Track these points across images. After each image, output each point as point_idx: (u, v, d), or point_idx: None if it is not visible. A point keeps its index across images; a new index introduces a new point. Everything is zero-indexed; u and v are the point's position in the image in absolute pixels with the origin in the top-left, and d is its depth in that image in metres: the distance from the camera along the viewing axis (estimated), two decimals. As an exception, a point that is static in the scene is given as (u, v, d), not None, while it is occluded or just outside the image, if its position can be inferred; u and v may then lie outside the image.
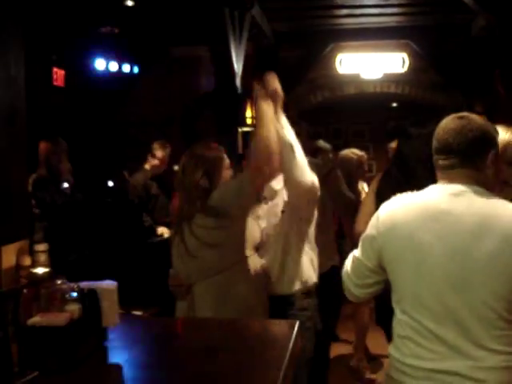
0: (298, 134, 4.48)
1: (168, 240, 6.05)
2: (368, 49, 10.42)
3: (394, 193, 2.32)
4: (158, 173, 6.76)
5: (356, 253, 2.34)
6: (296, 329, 2.47)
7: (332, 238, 4.56)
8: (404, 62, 10.48)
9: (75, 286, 2.22)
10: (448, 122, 2.23)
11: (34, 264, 2.23)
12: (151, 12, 8.29)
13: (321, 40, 10.00)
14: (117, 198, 6.73)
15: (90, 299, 2.23)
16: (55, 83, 9.42)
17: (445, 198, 2.14)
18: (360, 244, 2.32)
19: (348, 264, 2.38)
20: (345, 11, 8.89)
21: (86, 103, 9.91)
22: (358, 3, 8.42)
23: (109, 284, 2.32)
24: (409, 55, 10.43)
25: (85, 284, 2.27)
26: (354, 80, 10.71)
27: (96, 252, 5.49)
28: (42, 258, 2.24)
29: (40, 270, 2.17)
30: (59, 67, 9.42)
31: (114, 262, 6.21)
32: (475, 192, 2.13)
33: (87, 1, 7.64)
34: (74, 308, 2.16)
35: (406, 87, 10.73)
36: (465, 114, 2.27)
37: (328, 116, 11.18)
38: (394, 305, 2.23)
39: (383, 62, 10.47)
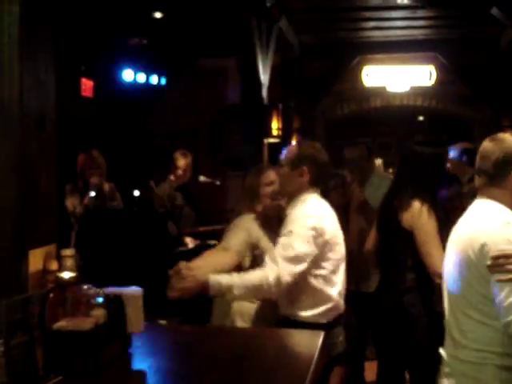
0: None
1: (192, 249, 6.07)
2: (394, 61, 10.40)
3: None
4: (183, 183, 6.78)
5: None
6: (321, 340, 2.45)
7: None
8: (431, 74, 10.44)
9: (101, 292, 2.22)
10: (482, 145, 2.44)
11: (61, 268, 2.24)
12: (179, 23, 8.36)
13: (347, 52, 10.00)
14: (142, 207, 6.77)
15: (115, 305, 2.23)
16: (84, 94, 9.53)
17: None
18: None
19: None
20: (372, 24, 8.88)
21: (114, 114, 10.01)
22: (385, 16, 8.40)
23: (134, 290, 2.33)
24: (436, 68, 10.39)
25: (110, 290, 2.28)
26: (381, 93, 10.68)
27: (122, 260, 5.52)
28: (69, 262, 2.24)
29: (66, 275, 2.18)
30: (88, 78, 9.53)
31: (139, 271, 6.24)
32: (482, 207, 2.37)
33: (116, 12, 7.72)
34: (99, 313, 2.16)
35: (433, 100, 10.67)
36: (498, 135, 2.44)
37: (354, 128, 11.13)
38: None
39: (410, 75, 10.45)
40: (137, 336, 2.33)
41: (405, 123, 12.71)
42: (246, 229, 3.18)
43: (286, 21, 8.28)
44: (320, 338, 2.46)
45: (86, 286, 2.23)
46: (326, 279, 2.97)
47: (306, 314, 2.97)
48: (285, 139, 9.62)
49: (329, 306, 2.98)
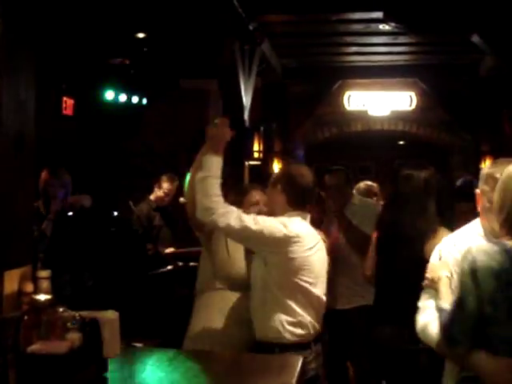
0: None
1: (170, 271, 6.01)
2: (376, 86, 10.50)
3: None
4: (162, 204, 6.75)
5: None
6: (300, 364, 2.43)
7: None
8: (412, 100, 10.55)
9: (77, 315, 2.18)
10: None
11: (37, 291, 2.20)
12: (162, 44, 8.37)
13: (329, 77, 10.07)
14: (121, 227, 6.71)
15: (91, 328, 2.20)
16: (65, 112, 9.49)
17: None
18: None
19: None
20: (354, 49, 8.95)
21: (94, 133, 9.96)
22: (366, 41, 8.47)
23: (110, 314, 2.29)
24: (416, 94, 10.50)
25: (86, 313, 2.24)
26: (362, 117, 10.76)
27: (99, 281, 5.45)
28: (45, 284, 2.21)
29: (42, 297, 2.14)
30: (69, 96, 9.49)
31: (116, 292, 6.18)
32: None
33: (99, 32, 7.72)
34: (74, 337, 2.12)
35: (414, 125, 10.77)
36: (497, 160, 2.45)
37: (335, 152, 11.19)
38: None
39: (391, 100, 10.55)
40: (112, 359, 2.30)
41: (385, 148, 12.79)
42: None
43: (269, 44, 8.33)
44: (299, 362, 2.44)
45: (61, 309, 2.19)
46: (297, 301, 2.95)
47: (279, 334, 2.93)
48: (265, 162, 9.64)
49: (303, 329, 2.95)
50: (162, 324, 5.10)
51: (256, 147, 7.69)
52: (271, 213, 3.07)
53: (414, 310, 2.59)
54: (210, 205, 2.75)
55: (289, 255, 2.88)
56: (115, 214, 7.01)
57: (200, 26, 6.70)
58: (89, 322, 2.20)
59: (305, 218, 3.05)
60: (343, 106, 10.67)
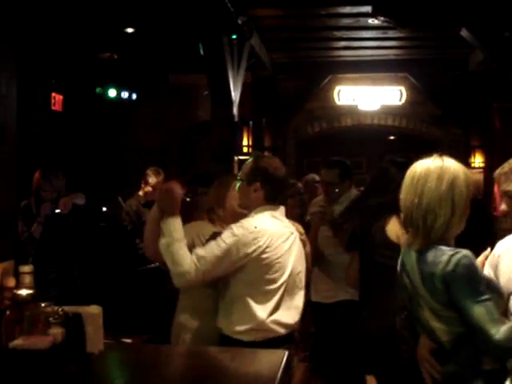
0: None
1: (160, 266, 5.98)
2: (366, 81, 10.50)
3: None
4: (152, 199, 6.72)
5: None
6: (285, 359, 2.42)
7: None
8: (402, 94, 10.55)
9: (59, 310, 2.17)
10: None
11: (19, 285, 2.19)
12: (151, 39, 8.34)
13: (319, 71, 10.05)
14: (110, 223, 6.69)
15: (74, 323, 2.19)
16: (54, 108, 9.45)
17: None
18: None
19: None
20: (343, 43, 8.94)
21: (84, 128, 9.92)
22: (356, 36, 8.46)
23: (94, 308, 2.28)
24: (406, 88, 10.50)
25: (70, 308, 2.23)
26: (352, 111, 10.76)
27: (87, 277, 5.43)
28: (27, 279, 2.19)
29: (24, 292, 2.13)
30: (58, 92, 9.46)
31: (105, 288, 6.16)
32: None
33: (88, 27, 7.68)
34: (57, 332, 2.11)
35: (404, 120, 10.78)
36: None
37: (325, 147, 11.19)
38: None
39: (381, 95, 10.55)
40: (98, 355, 2.28)
41: (376, 142, 12.82)
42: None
43: (259, 39, 8.30)
44: (283, 357, 2.43)
45: (44, 304, 2.18)
46: (256, 298, 2.90)
47: (232, 329, 2.91)
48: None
49: (253, 325, 2.88)
50: (152, 319, 5.08)
51: (245, 142, 7.67)
52: (246, 209, 3.06)
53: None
54: (181, 270, 2.78)
55: (254, 255, 2.86)
56: (104, 209, 6.99)
57: (188, 21, 6.68)
58: (72, 317, 2.19)
59: (276, 211, 3.01)
60: (333, 101, 10.67)
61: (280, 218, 3.01)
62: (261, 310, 2.85)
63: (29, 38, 7.72)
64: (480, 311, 2.18)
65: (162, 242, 2.83)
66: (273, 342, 2.85)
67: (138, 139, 10.58)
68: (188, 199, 7.84)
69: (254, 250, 2.83)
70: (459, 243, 2.35)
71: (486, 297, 2.20)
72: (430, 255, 2.28)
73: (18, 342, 2.05)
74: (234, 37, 6.30)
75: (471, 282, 2.22)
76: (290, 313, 2.97)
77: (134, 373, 2.38)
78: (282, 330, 2.91)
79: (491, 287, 2.30)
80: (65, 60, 8.80)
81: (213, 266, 2.80)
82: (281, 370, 2.32)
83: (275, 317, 2.89)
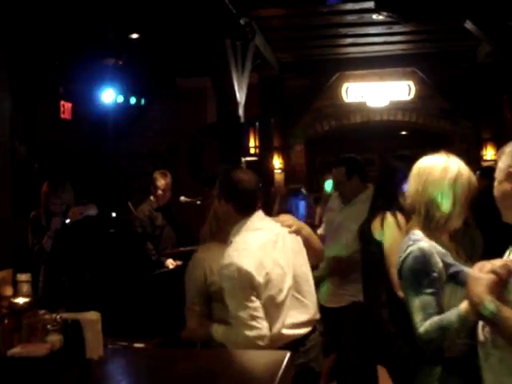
0: None
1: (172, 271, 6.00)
2: (373, 77, 10.46)
3: None
4: (164, 203, 6.73)
5: None
6: (286, 360, 2.41)
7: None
8: (410, 89, 10.50)
9: (58, 317, 2.18)
10: None
11: (17, 294, 2.20)
12: (157, 44, 8.37)
13: (326, 69, 10.04)
14: (120, 229, 6.72)
15: (72, 330, 2.19)
16: (63, 116, 9.52)
17: None
18: None
19: None
20: (349, 40, 8.92)
21: (94, 135, 9.99)
22: (361, 32, 8.44)
23: (92, 314, 2.28)
24: (415, 83, 10.44)
25: (68, 315, 2.23)
26: (361, 108, 10.72)
27: (99, 283, 5.45)
28: (25, 288, 2.20)
29: (21, 300, 2.14)
30: (66, 100, 9.52)
31: (117, 293, 6.18)
32: None
33: (94, 34, 7.72)
34: (55, 339, 2.12)
35: (413, 115, 10.72)
36: None
37: (336, 145, 11.16)
38: None
39: (389, 90, 10.50)
40: (98, 361, 2.29)
41: (387, 138, 12.75)
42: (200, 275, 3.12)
43: (263, 39, 8.30)
44: (285, 358, 2.42)
45: (42, 311, 2.19)
46: (269, 314, 2.83)
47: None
48: (263, 157, 9.62)
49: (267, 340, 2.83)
50: (164, 323, 5.09)
51: (252, 143, 7.68)
52: (224, 224, 3.03)
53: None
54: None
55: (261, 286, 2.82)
56: (113, 215, 7.03)
57: (191, 25, 6.69)
58: (70, 324, 2.20)
59: (252, 221, 2.94)
60: (342, 99, 10.63)
61: (259, 226, 2.97)
62: (273, 323, 2.81)
63: (35, 47, 7.82)
64: (415, 303, 2.30)
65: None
66: (296, 343, 2.86)
67: (148, 144, 10.62)
68: (199, 202, 7.85)
69: (253, 283, 2.76)
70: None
71: (427, 291, 2.28)
72: (403, 242, 2.45)
73: (16, 350, 2.06)
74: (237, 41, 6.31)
75: (415, 273, 2.33)
76: (308, 309, 2.96)
77: (135, 378, 2.39)
78: (301, 331, 2.91)
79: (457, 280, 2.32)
80: (72, 68, 8.86)
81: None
82: (281, 370, 2.31)
83: (289, 321, 2.87)
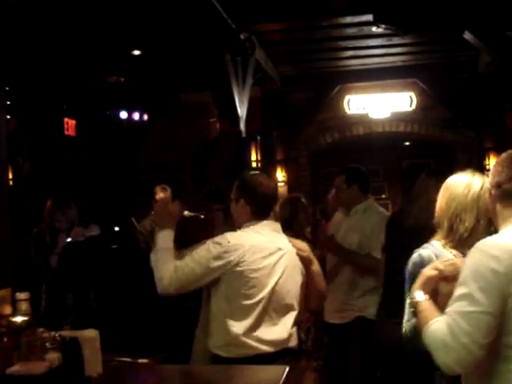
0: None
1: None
2: (375, 89, 10.48)
3: None
4: None
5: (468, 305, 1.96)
6: (285, 375, 2.43)
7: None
8: (412, 100, 10.51)
9: (56, 335, 2.21)
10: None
11: (16, 312, 2.23)
12: (158, 60, 8.43)
13: (327, 82, 10.07)
14: (124, 244, 6.74)
15: (71, 347, 2.22)
16: (67, 133, 9.58)
17: None
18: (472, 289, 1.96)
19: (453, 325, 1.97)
20: (349, 53, 8.96)
21: (97, 151, 10.04)
22: (361, 45, 8.47)
23: (91, 332, 2.31)
24: (416, 94, 10.46)
25: (66, 333, 2.26)
26: (363, 120, 10.74)
27: (104, 300, 5.47)
28: (24, 306, 2.23)
29: (19, 319, 2.17)
30: (70, 117, 9.59)
31: (121, 309, 6.20)
32: None
33: (96, 51, 7.79)
34: (53, 356, 2.15)
35: (415, 125, 10.73)
36: None
37: (340, 157, 11.19)
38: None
39: (391, 102, 10.51)
40: (97, 378, 2.31)
41: (390, 149, 12.78)
42: None
43: (264, 53, 8.35)
44: (283, 373, 2.44)
45: (40, 330, 2.22)
46: (232, 313, 2.92)
47: (211, 343, 2.97)
48: (265, 171, 9.63)
49: (227, 341, 2.90)
50: (170, 338, 5.11)
51: (253, 157, 7.71)
52: (238, 226, 3.10)
53: None
54: (158, 275, 2.96)
55: (226, 269, 2.91)
56: (116, 229, 7.05)
57: (191, 40, 6.74)
58: (69, 342, 2.23)
59: (261, 226, 3.04)
60: (344, 111, 10.66)
61: (264, 233, 3.02)
62: (236, 326, 2.86)
63: (38, 65, 7.88)
64: (406, 304, 2.46)
65: (152, 251, 3.02)
66: (257, 359, 2.84)
67: (152, 159, 10.66)
68: (202, 216, 7.87)
69: (225, 264, 2.87)
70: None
71: None
72: None
73: (14, 368, 2.09)
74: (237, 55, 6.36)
75: (410, 276, 2.49)
76: (276, 330, 2.94)
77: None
78: (265, 347, 2.90)
79: None
80: (75, 85, 8.92)
81: (187, 277, 2.91)
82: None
83: (256, 333, 2.88)
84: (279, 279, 2.96)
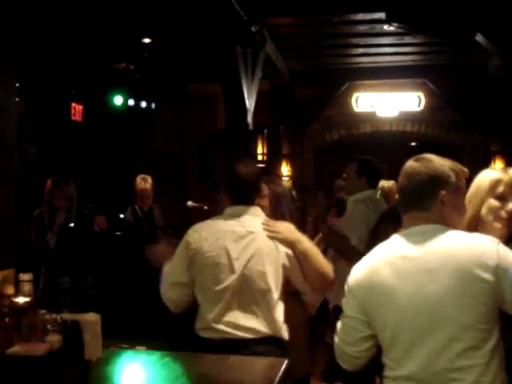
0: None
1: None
2: (384, 87, 10.46)
3: None
4: (144, 206, 6.88)
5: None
6: (284, 367, 2.43)
7: None
8: (420, 100, 10.50)
9: (58, 317, 2.21)
10: (405, 165, 2.28)
11: (18, 293, 2.23)
12: (168, 49, 8.42)
13: (336, 78, 10.05)
14: (127, 231, 6.77)
15: (72, 331, 2.22)
16: (74, 118, 9.58)
17: (402, 243, 2.16)
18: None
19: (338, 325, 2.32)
20: (360, 50, 8.94)
21: (103, 138, 10.04)
22: (372, 42, 8.45)
23: (92, 316, 2.32)
24: (425, 94, 10.44)
25: (68, 315, 2.26)
26: (370, 118, 10.72)
27: (102, 285, 5.48)
28: (27, 287, 2.23)
29: (21, 300, 2.17)
30: (78, 102, 9.58)
31: (122, 296, 6.22)
32: (432, 231, 2.14)
33: (106, 38, 7.78)
34: (54, 339, 2.15)
35: (422, 126, 10.71)
36: (424, 156, 2.31)
37: (345, 154, 11.15)
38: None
39: (399, 101, 10.50)
40: (97, 362, 2.31)
41: (396, 149, 12.74)
42: None
43: (274, 47, 8.34)
44: (282, 366, 2.44)
45: (42, 311, 2.22)
46: (206, 299, 2.97)
47: (194, 324, 3.02)
48: (270, 164, 9.64)
49: (203, 325, 2.95)
50: (167, 326, 5.10)
51: (260, 150, 7.71)
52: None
53: None
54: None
55: (191, 256, 2.98)
56: (121, 216, 7.08)
57: (203, 30, 6.73)
58: (70, 325, 2.23)
59: (236, 211, 3.01)
60: (351, 108, 10.65)
61: (237, 218, 2.99)
62: (209, 311, 2.91)
63: (48, 49, 7.88)
64: None
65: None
66: (235, 343, 2.85)
67: (157, 148, 10.67)
68: (206, 207, 7.87)
69: (188, 251, 2.97)
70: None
71: None
72: None
73: (15, 349, 2.09)
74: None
75: None
76: (252, 316, 2.91)
77: (132, 379, 2.41)
78: (240, 333, 2.89)
79: None
80: (84, 71, 8.92)
81: (171, 277, 3.06)
82: (278, 377, 2.33)
83: (227, 319, 2.89)
84: (248, 262, 2.93)
